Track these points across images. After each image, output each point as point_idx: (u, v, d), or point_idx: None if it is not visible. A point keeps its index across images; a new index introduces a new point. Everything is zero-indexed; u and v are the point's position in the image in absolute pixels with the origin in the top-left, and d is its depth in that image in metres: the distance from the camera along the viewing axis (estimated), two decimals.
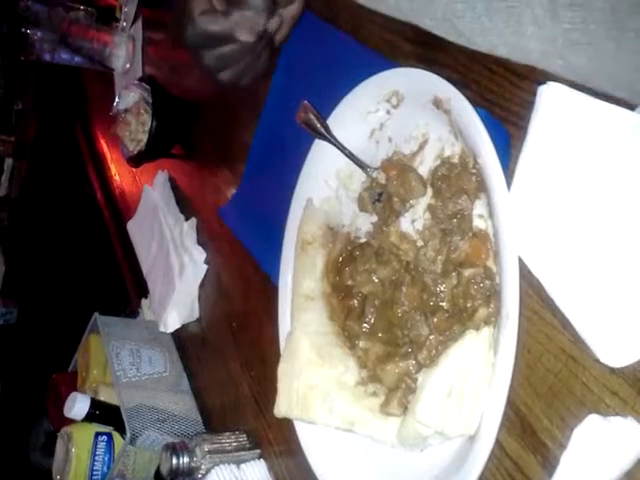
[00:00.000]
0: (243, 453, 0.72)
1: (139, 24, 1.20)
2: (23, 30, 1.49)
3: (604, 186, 0.39)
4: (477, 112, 0.45)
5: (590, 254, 0.39)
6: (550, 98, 0.40)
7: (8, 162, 2.35)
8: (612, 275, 0.38)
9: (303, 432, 0.58)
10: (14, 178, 2.27)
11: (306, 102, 0.61)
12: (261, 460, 0.71)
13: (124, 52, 1.24)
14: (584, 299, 0.39)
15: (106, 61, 1.28)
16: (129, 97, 1.03)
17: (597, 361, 0.40)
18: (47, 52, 1.46)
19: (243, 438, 0.74)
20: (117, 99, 1.08)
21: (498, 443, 0.45)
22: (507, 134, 0.46)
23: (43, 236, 1.94)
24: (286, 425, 0.63)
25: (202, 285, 0.89)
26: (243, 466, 0.70)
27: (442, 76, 0.49)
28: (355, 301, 0.55)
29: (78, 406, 0.80)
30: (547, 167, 0.41)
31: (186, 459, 0.70)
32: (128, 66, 1.23)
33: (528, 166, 0.42)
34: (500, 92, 0.49)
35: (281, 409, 0.54)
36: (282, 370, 0.55)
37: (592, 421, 0.39)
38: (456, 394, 0.43)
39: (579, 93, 0.39)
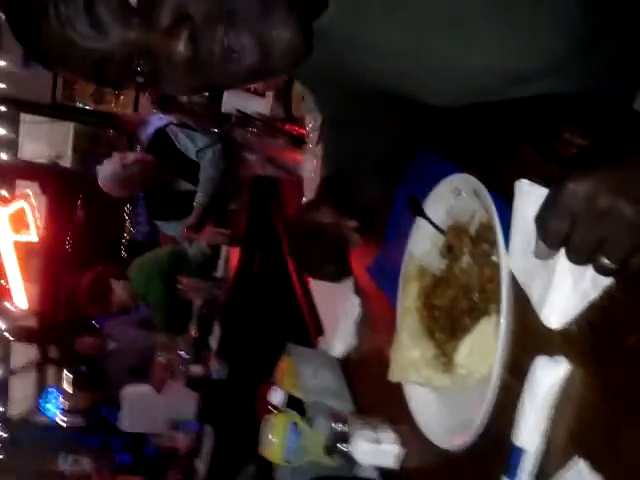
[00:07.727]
0: (381, 425, 1.08)
1: (320, 145, 1.69)
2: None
3: None
4: (490, 195, 0.81)
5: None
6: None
7: (224, 250, 2.99)
8: (553, 270, 0.70)
9: (411, 399, 0.94)
10: (229, 263, 2.89)
11: (410, 196, 1.00)
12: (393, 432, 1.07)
13: (310, 165, 1.73)
14: (536, 282, 0.72)
15: (298, 172, 1.79)
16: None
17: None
18: (259, 167, 2.04)
19: (381, 419, 1.10)
20: (304, 199, 1.56)
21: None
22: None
23: (250, 308, 2.48)
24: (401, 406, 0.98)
25: (359, 321, 1.29)
26: (380, 433, 1.06)
27: (484, 180, 0.86)
28: (436, 312, 0.91)
29: (278, 396, 1.23)
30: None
31: (342, 426, 1.08)
32: (313, 175, 1.71)
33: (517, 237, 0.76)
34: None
35: (392, 375, 0.91)
36: (393, 351, 0.92)
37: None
38: (477, 350, 0.78)
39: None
